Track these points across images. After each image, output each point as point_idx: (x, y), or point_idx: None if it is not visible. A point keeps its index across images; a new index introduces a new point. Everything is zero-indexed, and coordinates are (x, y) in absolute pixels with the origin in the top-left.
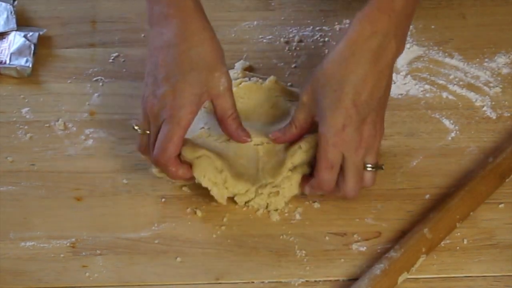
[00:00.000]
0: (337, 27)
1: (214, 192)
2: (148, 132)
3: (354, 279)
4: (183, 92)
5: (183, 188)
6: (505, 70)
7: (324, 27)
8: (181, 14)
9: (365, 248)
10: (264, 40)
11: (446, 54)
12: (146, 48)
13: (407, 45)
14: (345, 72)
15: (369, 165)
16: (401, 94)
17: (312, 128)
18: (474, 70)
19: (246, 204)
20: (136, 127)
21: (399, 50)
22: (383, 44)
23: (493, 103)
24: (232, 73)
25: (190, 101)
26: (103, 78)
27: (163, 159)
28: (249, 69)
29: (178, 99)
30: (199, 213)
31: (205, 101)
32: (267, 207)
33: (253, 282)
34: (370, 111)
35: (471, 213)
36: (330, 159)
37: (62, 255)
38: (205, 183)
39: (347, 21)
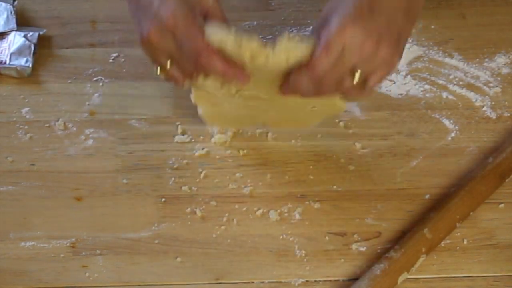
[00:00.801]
0: None
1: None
2: (166, 63)
3: (354, 279)
4: (168, 4)
5: (183, 188)
6: (505, 70)
7: None
8: None
9: (365, 248)
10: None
11: (446, 54)
12: None
13: (407, 45)
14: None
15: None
16: (401, 94)
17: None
18: (474, 70)
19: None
20: (157, 71)
21: None
22: None
23: (493, 103)
24: None
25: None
26: (103, 78)
27: (201, 61)
28: None
29: (165, 10)
30: (199, 213)
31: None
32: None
33: (253, 282)
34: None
35: (471, 213)
36: (331, 44)
37: (62, 255)
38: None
39: None
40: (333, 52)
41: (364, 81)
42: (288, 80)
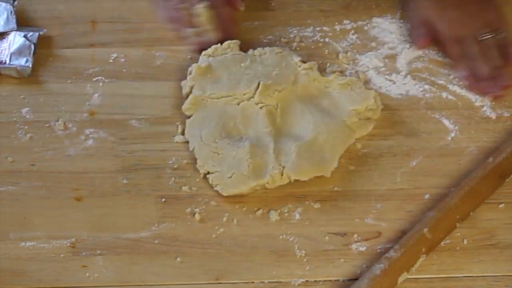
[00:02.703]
0: (337, 27)
1: None
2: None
3: (354, 279)
4: None
5: (183, 188)
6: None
7: (324, 27)
8: None
9: (365, 248)
10: (264, 40)
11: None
12: None
13: (407, 45)
14: None
15: (485, 35)
16: (401, 94)
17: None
18: None
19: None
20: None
21: None
22: None
23: (493, 103)
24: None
25: None
26: (103, 78)
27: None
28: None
29: None
30: (199, 213)
31: None
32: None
33: (253, 282)
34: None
35: (471, 213)
36: (445, 37)
37: (62, 255)
38: None
39: (347, 21)
40: None
41: None
42: None
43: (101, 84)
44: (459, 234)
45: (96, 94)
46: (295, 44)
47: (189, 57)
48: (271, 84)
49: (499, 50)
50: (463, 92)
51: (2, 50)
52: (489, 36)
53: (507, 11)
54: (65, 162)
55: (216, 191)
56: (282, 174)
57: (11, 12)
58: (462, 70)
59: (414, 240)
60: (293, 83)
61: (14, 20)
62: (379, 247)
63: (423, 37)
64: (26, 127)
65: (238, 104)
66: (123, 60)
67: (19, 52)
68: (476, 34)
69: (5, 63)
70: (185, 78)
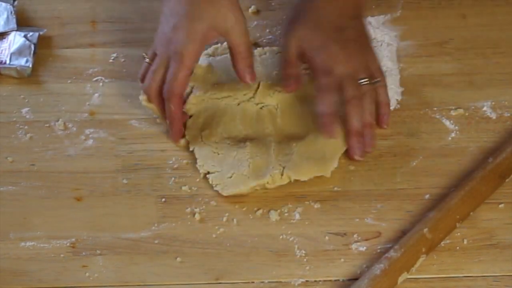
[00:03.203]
0: None
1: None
2: (149, 62)
3: (354, 279)
4: (185, 29)
5: (183, 188)
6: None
7: None
8: None
9: (365, 248)
10: (264, 40)
11: (446, 54)
12: None
13: (407, 47)
14: (312, 4)
15: (363, 80)
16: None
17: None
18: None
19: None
20: (144, 55)
21: None
22: None
23: (493, 103)
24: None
25: (193, 38)
26: (103, 78)
27: (168, 94)
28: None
29: (181, 36)
30: (199, 213)
31: (212, 38)
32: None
33: (253, 282)
34: (348, 28)
35: (471, 213)
36: (321, 68)
37: (62, 255)
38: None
39: None
40: None
41: None
42: None
43: (101, 84)
44: (459, 234)
45: (96, 94)
46: None
47: None
48: (271, 84)
49: (372, 103)
50: (463, 92)
51: (2, 50)
52: (366, 81)
53: (507, 11)
54: (65, 162)
55: (216, 191)
56: (282, 174)
57: (11, 12)
58: (326, 106)
59: (414, 240)
60: None
61: (14, 20)
62: (379, 247)
63: (295, 79)
64: (26, 127)
65: (238, 104)
66: (123, 60)
67: (19, 52)
68: (354, 74)
69: (5, 63)
70: None
